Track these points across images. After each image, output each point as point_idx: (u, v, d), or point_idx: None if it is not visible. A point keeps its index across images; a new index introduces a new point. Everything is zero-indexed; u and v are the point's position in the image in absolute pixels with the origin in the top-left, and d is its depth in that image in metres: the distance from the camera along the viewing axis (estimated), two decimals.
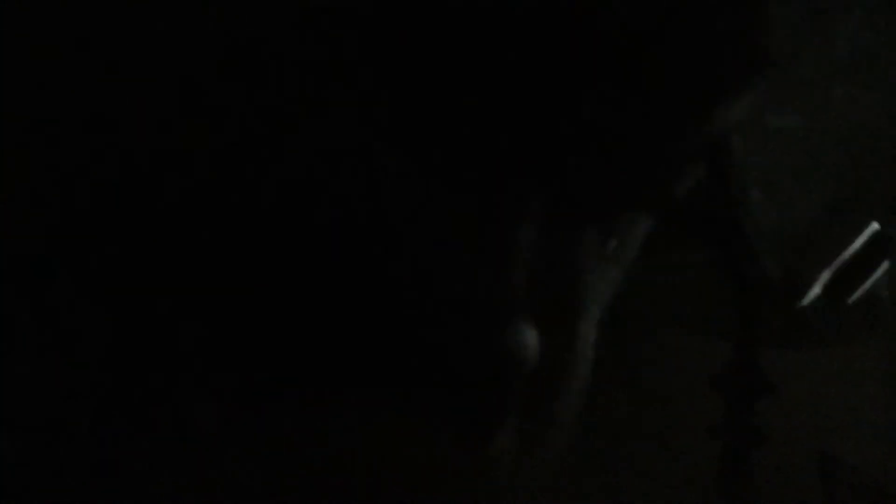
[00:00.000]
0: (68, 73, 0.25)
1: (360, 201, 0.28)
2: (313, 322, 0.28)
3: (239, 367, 0.28)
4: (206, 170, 0.26)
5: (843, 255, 1.54)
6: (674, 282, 1.88)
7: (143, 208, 0.26)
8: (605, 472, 2.01)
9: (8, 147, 0.25)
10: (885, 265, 1.57)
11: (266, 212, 0.27)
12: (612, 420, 1.92)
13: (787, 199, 1.56)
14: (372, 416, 0.30)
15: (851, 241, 1.52)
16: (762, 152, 1.42)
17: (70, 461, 0.24)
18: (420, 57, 0.27)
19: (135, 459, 0.25)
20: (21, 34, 0.25)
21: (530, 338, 0.31)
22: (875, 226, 1.50)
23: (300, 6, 0.27)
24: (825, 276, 1.56)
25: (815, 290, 1.54)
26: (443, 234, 0.30)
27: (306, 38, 0.27)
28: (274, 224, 0.28)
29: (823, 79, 1.47)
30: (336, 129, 0.28)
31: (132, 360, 0.26)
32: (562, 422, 0.37)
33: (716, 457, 1.93)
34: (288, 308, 0.28)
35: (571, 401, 0.37)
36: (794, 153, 1.47)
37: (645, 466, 2.00)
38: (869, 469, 1.75)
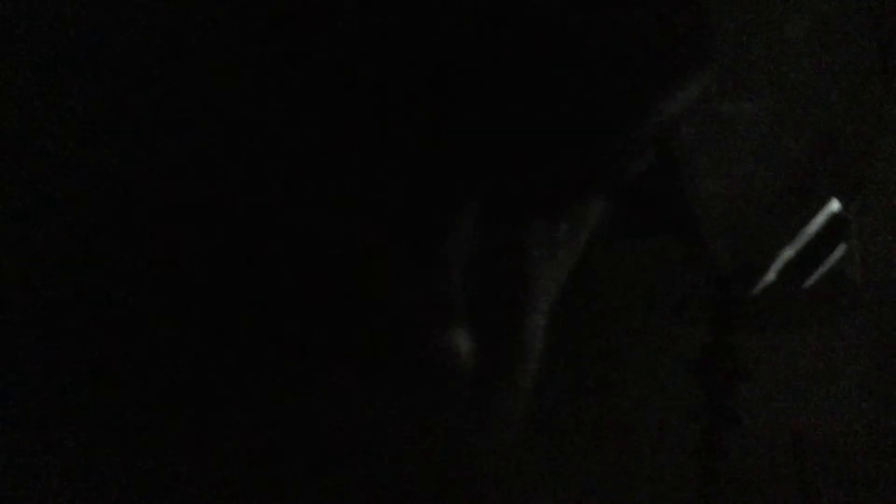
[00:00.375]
0: (72, 76, 0.25)
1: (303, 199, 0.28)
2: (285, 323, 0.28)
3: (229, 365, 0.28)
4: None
5: (800, 238, 1.56)
6: (648, 267, 1.88)
7: (128, 212, 0.26)
8: (582, 456, 2.01)
9: (13, 150, 0.25)
10: (842, 247, 1.58)
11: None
12: (588, 405, 1.93)
13: (744, 186, 1.57)
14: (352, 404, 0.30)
15: (808, 225, 1.53)
16: (716, 139, 1.43)
17: (70, 463, 0.24)
18: (350, 55, 0.28)
19: (136, 462, 0.25)
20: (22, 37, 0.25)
21: (461, 341, 0.32)
22: (833, 207, 1.51)
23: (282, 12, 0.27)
24: (781, 261, 1.58)
25: (769, 276, 1.56)
26: (380, 239, 0.31)
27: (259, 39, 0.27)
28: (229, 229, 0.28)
29: (776, 62, 1.48)
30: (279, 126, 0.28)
31: (134, 363, 0.26)
32: (511, 410, 0.37)
33: (692, 439, 1.94)
34: (263, 311, 0.28)
35: (519, 389, 0.37)
36: (749, 138, 1.48)
37: (622, 450, 2.01)
38: (841, 449, 1.77)
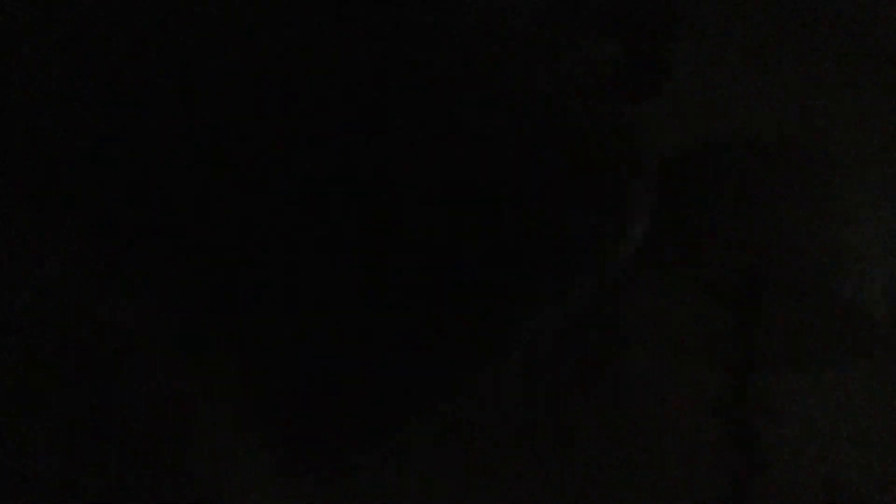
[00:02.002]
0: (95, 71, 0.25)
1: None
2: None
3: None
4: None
5: None
6: (674, 308, 1.88)
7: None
8: (610, 499, 1.99)
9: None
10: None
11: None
12: (616, 447, 1.92)
13: None
14: None
15: None
16: None
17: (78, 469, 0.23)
18: None
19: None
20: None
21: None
22: None
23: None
24: None
25: None
26: None
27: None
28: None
29: None
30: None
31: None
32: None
33: (720, 482, 1.91)
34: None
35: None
36: None
37: (651, 493, 1.99)
38: (873, 492, 1.75)
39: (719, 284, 1.81)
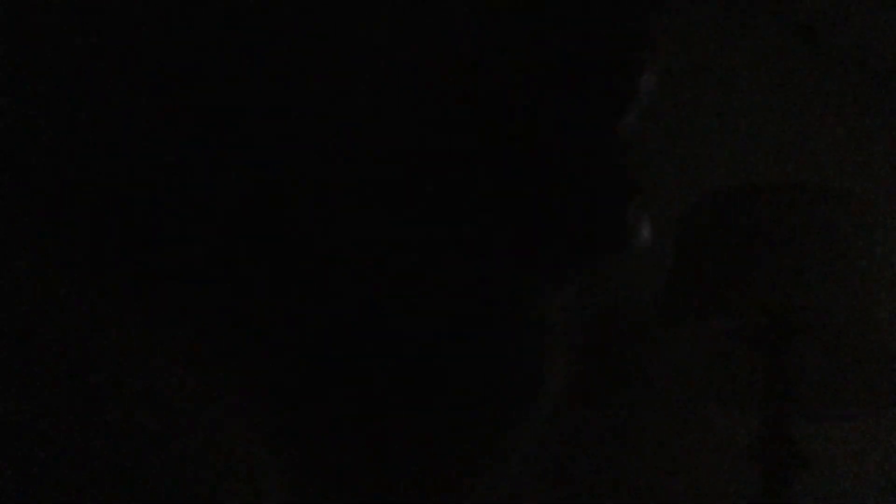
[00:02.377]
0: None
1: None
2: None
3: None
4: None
5: None
6: (706, 355, 1.87)
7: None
8: None
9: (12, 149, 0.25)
10: None
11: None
12: (648, 493, 1.91)
13: None
14: None
15: None
16: None
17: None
18: None
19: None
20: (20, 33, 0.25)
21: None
22: None
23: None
24: None
25: None
26: None
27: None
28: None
29: None
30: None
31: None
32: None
33: None
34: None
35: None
36: None
37: None
38: None
39: (751, 330, 1.80)
